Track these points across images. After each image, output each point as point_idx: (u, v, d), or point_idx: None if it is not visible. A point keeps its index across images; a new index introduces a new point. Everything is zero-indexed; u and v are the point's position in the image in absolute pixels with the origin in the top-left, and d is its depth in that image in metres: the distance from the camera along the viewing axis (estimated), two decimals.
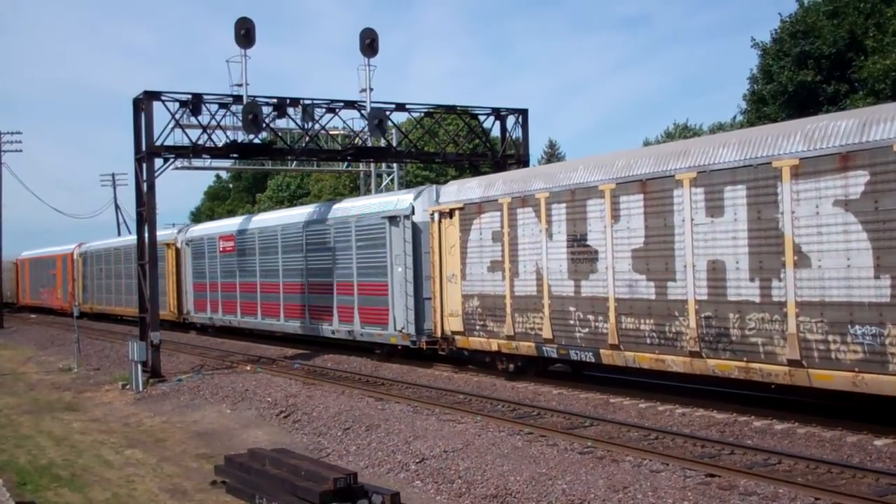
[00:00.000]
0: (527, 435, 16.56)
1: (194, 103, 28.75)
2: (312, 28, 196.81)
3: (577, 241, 20.19)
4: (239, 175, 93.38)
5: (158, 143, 28.43)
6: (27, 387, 29.68)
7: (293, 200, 74.75)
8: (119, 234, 77.51)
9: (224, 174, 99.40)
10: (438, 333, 24.92)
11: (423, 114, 33.95)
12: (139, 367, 27.00)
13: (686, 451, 14.72)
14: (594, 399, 19.79)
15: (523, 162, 32.92)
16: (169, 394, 25.46)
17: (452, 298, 24.24)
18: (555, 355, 21.09)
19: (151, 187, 28.46)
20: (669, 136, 60.49)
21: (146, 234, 28.93)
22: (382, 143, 33.24)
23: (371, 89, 30.13)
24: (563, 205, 20.60)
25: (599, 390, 20.58)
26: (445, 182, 32.54)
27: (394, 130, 37.22)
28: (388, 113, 30.93)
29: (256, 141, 29.86)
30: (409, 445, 16.44)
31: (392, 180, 47.86)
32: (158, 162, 28.85)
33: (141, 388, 26.50)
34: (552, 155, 72.85)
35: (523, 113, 33.26)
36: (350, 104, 30.96)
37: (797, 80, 39.30)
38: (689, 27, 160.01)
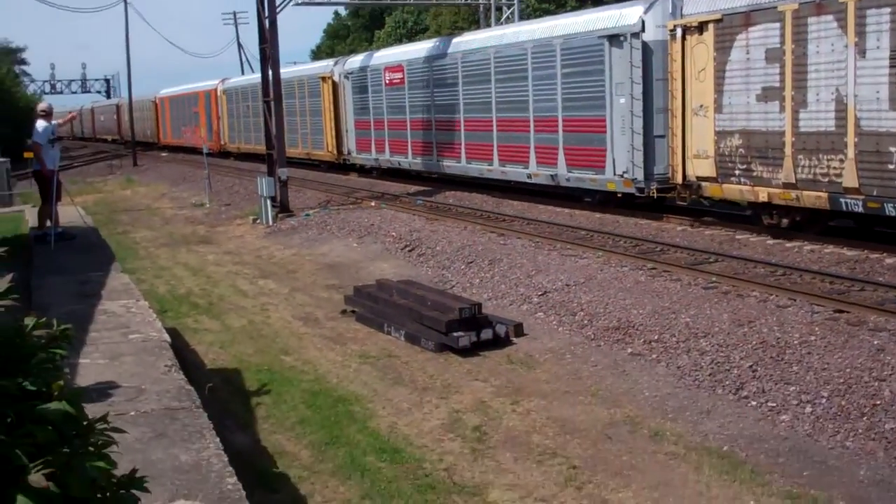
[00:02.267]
0: (650, 270, 16.54)
1: None
2: None
3: None
4: (357, 12, 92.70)
5: None
6: (162, 221, 30.98)
7: (411, 37, 74.04)
8: (242, 72, 77.97)
9: (343, 11, 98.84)
10: (678, 179, 20.60)
11: None
12: (268, 202, 27.78)
13: (814, 287, 14.50)
14: (719, 235, 19.54)
15: None
16: (297, 228, 26.20)
17: (700, 136, 19.90)
18: (860, 209, 16.56)
19: (273, 23, 28.57)
20: None
21: (269, 72, 29.21)
22: None
23: None
24: (887, 9, 15.62)
25: (725, 226, 20.27)
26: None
27: None
28: None
29: None
30: (532, 279, 16.64)
31: (513, 13, 46.78)
32: None
33: (271, 223, 27.34)
34: None
35: None
36: None
37: None
38: None
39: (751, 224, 19.60)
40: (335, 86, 39.67)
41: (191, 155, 55.13)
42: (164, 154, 66.92)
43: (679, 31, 20.10)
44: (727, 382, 11.12)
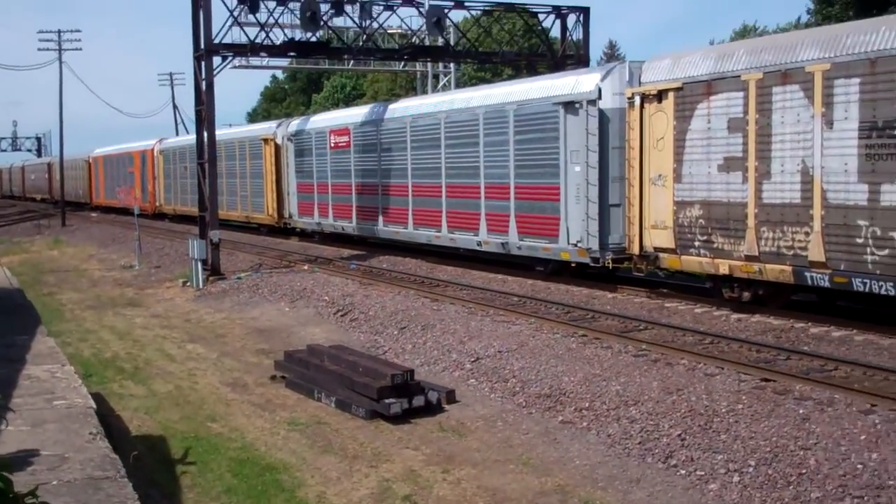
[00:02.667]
0: (581, 337, 16.64)
1: (253, 1, 28.55)
2: None
3: (880, 131, 15.02)
4: (294, 76, 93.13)
5: (217, 40, 28.40)
6: (90, 283, 30.44)
7: (348, 102, 74.53)
8: (177, 133, 77.54)
9: (280, 75, 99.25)
10: (634, 250, 19.88)
11: (481, 12, 33.47)
12: (199, 264, 27.47)
13: (741, 355, 14.70)
14: (648, 303, 19.77)
15: (584, 62, 32.40)
16: (228, 291, 25.92)
17: (658, 206, 19.28)
18: (826, 283, 15.95)
19: (210, 86, 28.52)
20: (738, 37, 58.98)
21: (205, 133, 29.10)
22: (440, 41, 32.89)
23: None
24: (856, 80, 15.23)
25: (654, 295, 20.52)
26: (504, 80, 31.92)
27: (451, 29, 36.72)
28: (446, 11, 30.54)
29: (314, 39, 29.73)
30: (464, 345, 16.64)
31: (449, 81, 47.40)
32: (217, 60, 28.88)
33: (201, 286, 27.01)
34: (612, 56, 71.46)
35: (585, 11, 32.61)
36: (408, 2, 30.61)
37: None
38: None
39: (709, 297, 19.20)
40: (277, 148, 39.18)
41: (123, 216, 54.43)
42: (94, 215, 65.95)
43: (637, 100, 19.65)
44: (656, 451, 11.17)
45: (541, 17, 33.49)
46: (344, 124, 33.28)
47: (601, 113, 20.81)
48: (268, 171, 39.69)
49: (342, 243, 34.84)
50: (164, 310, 24.16)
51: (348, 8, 29.91)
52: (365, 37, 31.35)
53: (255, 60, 38.62)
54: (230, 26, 28.90)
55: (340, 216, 33.89)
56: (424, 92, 47.16)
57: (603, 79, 20.99)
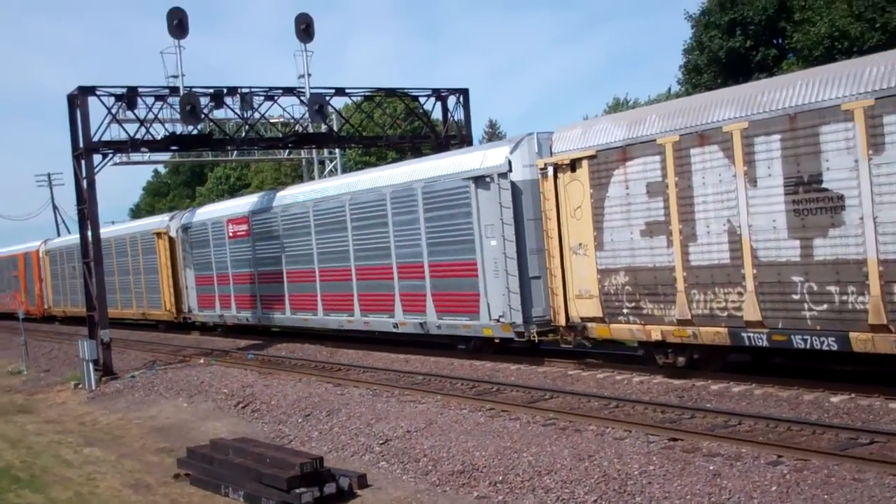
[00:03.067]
0: (488, 411, 16.64)
1: (130, 97, 28.34)
2: (246, 15, 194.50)
3: (806, 186, 14.73)
4: (177, 169, 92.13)
5: (96, 138, 28.06)
6: None
7: (233, 192, 73.98)
8: (59, 234, 75.55)
9: (162, 169, 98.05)
10: (560, 321, 19.37)
11: (362, 97, 33.85)
12: (91, 365, 26.60)
13: (647, 417, 14.93)
14: (552, 372, 19.93)
15: (467, 142, 32.97)
16: (123, 391, 25.15)
17: (582, 275, 18.80)
18: (764, 342, 15.58)
19: (92, 184, 28.02)
20: (611, 110, 60.93)
21: (89, 232, 28.47)
22: (323, 128, 33.07)
23: (309, 75, 30.04)
24: (776, 136, 15.07)
25: (556, 364, 20.69)
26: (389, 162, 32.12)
27: (334, 115, 37.00)
28: (327, 98, 30.79)
29: (195, 132, 29.58)
30: (372, 428, 16.45)
31: (335, 167, 47.57)
32: (97, 158, 28.47)
33: (94, 387, 26.13)
34: (493, 134, 72.98)
35: (464, 93, 33.30)
36: (289, 91, 30.75)
37: (727, 47, 39.91)
38: (621, 2, 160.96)
39: (641, 364, 18.71)
40: (172, 241, 38.05)
41: (9, 321, 52.35)
42: None
43: (550, 170, 19.33)
44: None
45: (421, 100, 34.04)
46: (242, 213, 32.53)
47: (513, 185, 20.60)
48: (163, 265, 38.53)
49: (246, 334, 34.02)
50: (57, 414, 23.26)
51: (228, 100, 29.88)
52: (247, 127, 31.34)
53: (136, 156, 37.83)
54: (109, 123, 28.55)
55: (244, 306, 32.80)
56: (311, 178, 47.16)
57: (512, 151, 20.76)
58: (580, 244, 18.91)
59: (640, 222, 17.57)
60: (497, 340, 22.18)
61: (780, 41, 40.43)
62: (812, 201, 14.74)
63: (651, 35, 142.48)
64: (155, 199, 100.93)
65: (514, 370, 20.74)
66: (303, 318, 29.07)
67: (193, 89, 28.37)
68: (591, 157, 18.46)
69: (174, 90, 28.35)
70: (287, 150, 44.23)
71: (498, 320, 21.04)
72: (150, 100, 28.71)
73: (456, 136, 33.38)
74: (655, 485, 11.41)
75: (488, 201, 21.07)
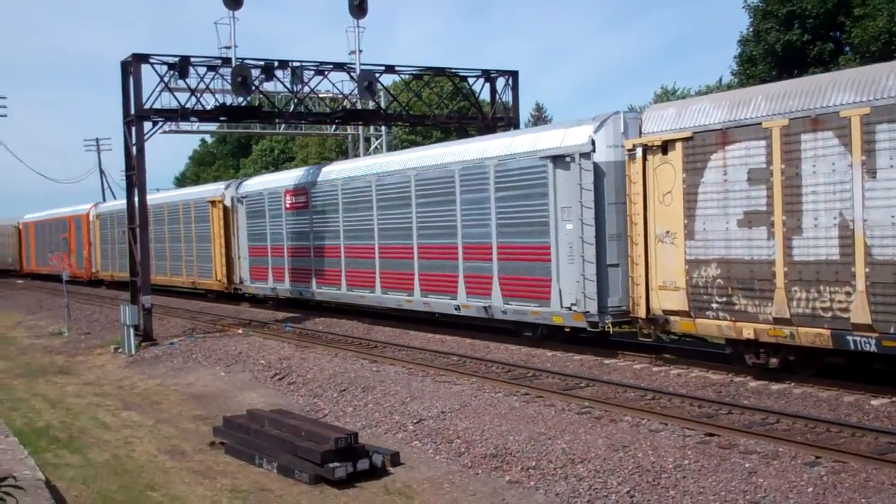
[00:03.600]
0: (523, 396, 16.62)
1: (182, 66, 28.45)
2: None
3: None
4: (224, 139, 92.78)
5: (147, 106, 28.20)
6: (18, 350, 29.63)
7: (277, 165, 74.36)
8: (104, 198, 76.35)
9: (209, 138, 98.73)
10: (639, 313, 18.36)
11: (411, 76, 33.82)
12: (131, 330, 26.92)
13: (684, 410, 14.81)
14: (588, 360, 19.85)
15: (514, 125, 32.84)
16: (161, 357, 25.42)
17: (667, 265, 17.75)
18: (872, 348, 14.40)
19: (141, 150, 28.28)
20: (659, 99, 60.40)
21: (136, 198, 28.76)
22: (371, 105, 33.08)
23: (360, 51, 29.91)
24: None
25: (593, 352, 20.58)
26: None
27: (382, 93, 36.99)
28: (377, 75, 30.73)
29: (245, 104, 29.72)
30: (406, 406, 16.49)
31: (381, 144, 47.64)
32: (147, 125, 28.69)
33: (133, 352, 26.45)
34: (539, 118, 72.62)
35: (513, 75, 33.11)
36: (339, 66, 30.78)
37: (784, 39, 39.38)
38: None
39: (726, 364, 17.69)
40: (226, 210, 37.34)
41: (57, 283, 52.74)
42: (19, 281, 64.29)
43: (639, 151, 18.23)
44: None
45: (470, 80, 33.92)
46: (300, 184, 31.85)
47: (596, 166, 19.47)
48: (216, 235, 37.85)
49: (295, 308, 33.45)
50: (96, 377, 23.57)
51: (279, 73, 29.98)
52: (296, 101, 31.44)
53: (185, 125, 38.41)
54: (160, 91, 28.76)
55: (298, 280, 32.07)
56: (356, 155, 47.26)
57: (596, 130, 19.59)
58: (667, 232, 17.80)
59: (738, 211, 16.44)
60: (567, 329, 21.17)
61: (838, 35, 39.81)
62: None
63: (703, 24, 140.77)
64: (200, 168, 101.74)
65: (549, 356, 20.67)
66: (359, 296, 28.27)
67: (245, 61, 28.49)
68: (685, 140, 17.31)
69: (226, 61, 28.47)
70: (334, 126, 44.47)
71: (570, 308, 20.10)
72: (201, 70, 28.85)
73: (503, 119, 33.26)
74: (690, 479, 11.34)
75: (567, 182, 20.02)
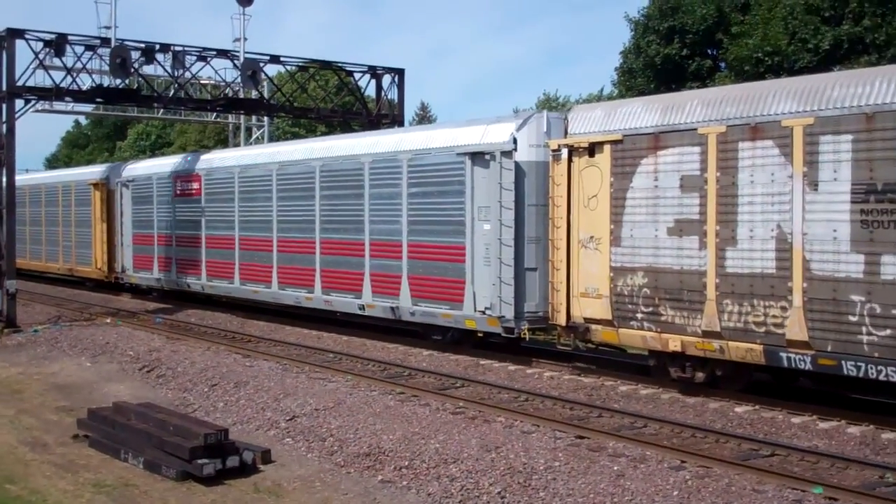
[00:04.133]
0: (398, 395, 16.60)
1: (59, 43, 27.53)
2: None
3: (879, 194, 13.19)
4: (100, 122, 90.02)
5: (20, 83, 27.15)
6: None
7: (154, 151, 72.64)
8: None
9: (83, 120, 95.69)
10: (559, 320, 17.58)
11: (297, 67, 33.45)
12: None
13: (556, 413, 15.03)
14: (464, 361, 19.94)
15: (399, 122, 32.84)
16: (25, 344, 24.49)
17: (591, 272, 16.98)
18: (807, 366, 14.01)
19: (11, 130, 27.16)
20: (542, 105, 61.31)
21: (4, 179, 27.62)
22: (254, 95, 32.61)
23: (245, 39, 29.56)
24: (848, 136, 13.52)
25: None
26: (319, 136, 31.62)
27: (266, 83, 36.48)
28: (261, 64, 30.31)
29: (123, 86, 28.92)
30: (279, 403, 16.28)
31: (262, 134, 46.95)
32: (19, 103, 27.62)
33: None
34: (423, 117, 72.84)
35: (399, 73, 33.11)
36: (223, 53, 30.29)
37: (664, 53, 40.42)
38: None
39: (646, 375, 17.21)
40: (110, 193, 35.06)
41: None
42: None
43: (565, 152, 17.46)
44: None
45: (356, 75, 33.75)
46: (193, 170, 29.97)
47: (517, 166, 18.69)
48: (97, 220, 35.68)
49: (184, 302, 31.78)
50: None
51: (160, 56, 29.29)
52: (177, 86, 30.72)
53: (59, 105, 37.05)
54: (34, 69, 27.74)
55: (186, 271, 30.18)
56: (237, 144, 46.44)
57: (519, 128, 18.82)
58: (592, 237, 17.07)
59: (668, 219, 15.83)
60: (480, 334, 20.59)
61: (716, 52, 41.10)
62: (884, 213, 13.23)
63: (588, 34, 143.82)
64: (73, 150, 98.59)
65: (426, 356, 20.70)
66: (253, 290, 26.87)
67: (125, 42, 27.73)
68: (615, 142, 16.63)
69: (105, 41, 27.69)
70: (215, 114, 43.61)
71: (484, 312, 19.22)
72: (79, 49, 27.99)
73: (388, 116, 33.22)
74: (560, 481, 11.49)
75: (485, 181, 19.22)
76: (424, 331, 21.74)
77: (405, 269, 21.30)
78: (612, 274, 16.70)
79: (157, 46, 28.92)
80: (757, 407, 15.01)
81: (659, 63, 40.66)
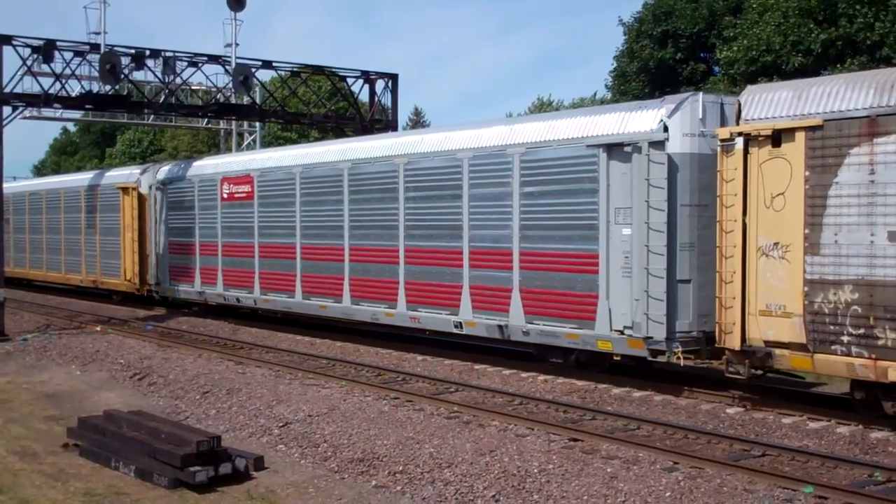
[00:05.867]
0: (393, 400, 16.52)
1: (47, 50, 27.43)
2: None
3: None
4: (88, 128, 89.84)
5: (7, 89, 27.03)
6: None
7: (145, 157, 72.49)
8: None
9: (71, 127, 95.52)
10: (732, 343, 14.68)
11: (289, 72, 33.39)
12: None
13: (550, 416, 14.99)
14: (458, 366, 19.88)
15: (392, 128, 32.83)
16: (13, 353, 24.30)
17: (774, 285, 14.17)
18: None
19: None
20: (535, 110, 61.39)
21: None
22: (246, 100, 32.55)
23: (237, 44, 29.53)
24: None
25: (463, 357, 20.61)
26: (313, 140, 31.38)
27: (258, 88, 36.42)
28: (253, 70, 30.26)
29: (112, 92, 28.83)
30: (272, 409, 16.17)
31: (254, 140, 46.89)
32: (7, 110, 27.48)
33: None
34: (417, 122, 72.88)
35: (393, 78, 33.10)
36: (214, 59, 30.22)
37: (657, 57, 40.49)
38: (555, 1, 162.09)
39: (847, 411, 14.54)
40: (142, 199, 32.20)
41: None
42: None
43: (739, 142, 14.67)
44: None
45: (349, 81, 33.73)
46: (244, 171, 27.26)
47: (669, 159, 16.01)
48: (126, 227, 32.76)
49: (235, 319, 29.10)
50: None
51: (150, 62, 29.21)
52: (167, 92, 30.64)
53: (47, 111, 37.01)
54: (23, 75, 27.63)
55: (236, 283, 27.38)
56: (228, 149, 46.29)
57: (671, 114, 16.08)
58: (776, 244, 14.26)
59: (891, 221, 13.02)
60: (616, 357, 17.70)
61: (708, 57, 41.24)
62: None
63: (581, 39, 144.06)
64: (62, 157, 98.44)
65: (420, 360, 20.63)
66: (319, 305, 23.98)
67: (115, 48, 27.66)
68: (811, 129, 13.84)
69: (94, 47, 27.61)
70: (206, 120, 43.55)
71: (622, 332, 16.54)
72: (68, 55, 27.93)
73: (381, 121, 33.20)
74: (554, 483, 11.43)
75: (625, 177, 16.48)
76: (539, 352, 18.99)
77: (516, 280, 18.56)
78: (806, 288, 13.89)
79: (148, 52, 28.87)
80: (748, 408, 15.01)
81: (653, 67, 40.77)
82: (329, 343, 23.52)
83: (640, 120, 16.55)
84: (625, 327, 16.47)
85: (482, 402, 16.18)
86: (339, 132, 34.39)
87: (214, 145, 56.37)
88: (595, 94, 55.45)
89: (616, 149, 16.64)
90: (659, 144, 16.00)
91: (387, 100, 33.15)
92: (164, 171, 31.75)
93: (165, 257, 30.99)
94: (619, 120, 16.93)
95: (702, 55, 41.50)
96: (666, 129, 16.00)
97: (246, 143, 47.39)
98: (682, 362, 15.95)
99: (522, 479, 11.68)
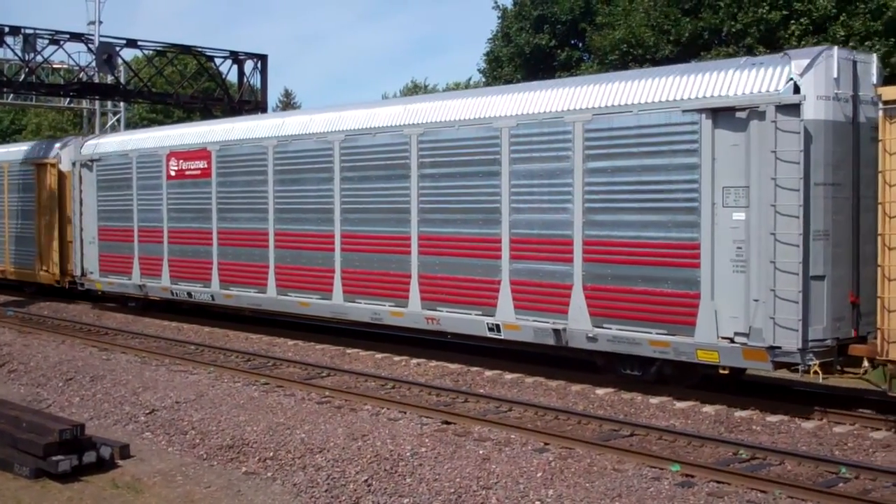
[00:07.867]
0: (263, 385, 16.35)
1: None
2: None
3: None
4: None
5: None
6: None
7: (5, 138, 69.63)
8: None
9: None
10: (893, 355, 12.23)
11: (155, 52, 32.58)
12: None
13: (422, 399, 15.07)
14: (330, 350, 19.80)
15: (262, 108, 32.40)
16: None
17: None
18: None
19: None
20: (409, 92, 61.46)
21: None
22: (110, 79, 31.61)
23: (100, 22, 28.67)
24: None
25: (335, 342, 20.54)
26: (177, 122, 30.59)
27: (123, 67, 35.36)
28: (117, 49, 29.42)
29: None
30: (138, 397, 15.81)
31: (119, 120, 45.55)
32: None
33: None
34: (288, 104, 72.02)
35: (262, 58, 32.67)
36: (76, 36, 29.31)
37: (533, 42, 40.89)
38: None
39: None
40: (62, 177, 28.46)
41: None
42: None
43: None
44: (343, 498, 11.08)
45: (217, 61, 33.11)
46: (200, 144, 23.15)
47: (805, 129, 13.02)
48: (43, 209, 29.01)
49: (181, 315, 25.35)
50: None
51: (9, 39, 28.16)
52: (27, 70, 29.52)
53: None
54: None
55: (187, 275, 23.64)
56: (92, 130, 44.81)
57: (803, 72, 13.11)
58: None
59: None
60: (725, 370, 14.00)
61: (580, 43, 41.89)
62: None
63: (454, 23, 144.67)
64: None
65: (291, 345, 20.45)
66: (299, 302, 20.51)
67: None
68: None
69: None
70: (68, 99, 42.10)
71: (732, 340, 13.61)
72: None
73: (250, 102, 32.75)
74: (426, 466, 11.49)
75: (737, 149, 13.55)
76: (607, 362, 15.89)
77: (578, 275, 15.42)
78: None
79: (7, 29, 27.80)
80: (616, 389, 15.38)
81: (528, 52, 41.11)
82: (197, 328, 23.08)
83: (757, 79, 13.54)
84: (736, 334, 13.61)
85: (354, 386, 16.16)
86: (206, 113, 33.70)
87: (79, 124, 54.54)
88: (470, 78, 55.81)
89: (725, 114, 13.66)
90: (790, 109, 13.03)
91: (256, 81, 32.74)
92: (90, 145, 27.55)
93: (95, 244, 26.93)
94: (728, 79, 13.90)
95: (573, 42, 42.12)
96: (797, 89, 13.09)
97: (110, 123, 46.01)
98: (821, 378, 13.20)
99: (395, 462, 11.71)
